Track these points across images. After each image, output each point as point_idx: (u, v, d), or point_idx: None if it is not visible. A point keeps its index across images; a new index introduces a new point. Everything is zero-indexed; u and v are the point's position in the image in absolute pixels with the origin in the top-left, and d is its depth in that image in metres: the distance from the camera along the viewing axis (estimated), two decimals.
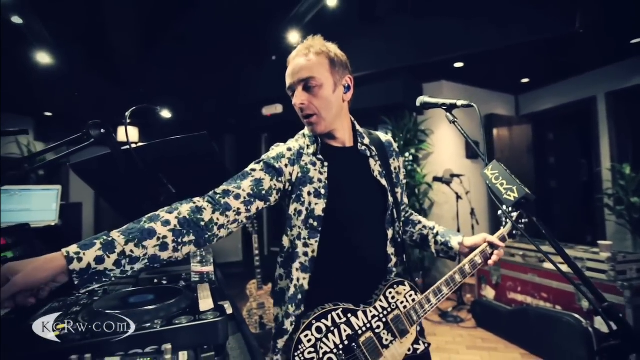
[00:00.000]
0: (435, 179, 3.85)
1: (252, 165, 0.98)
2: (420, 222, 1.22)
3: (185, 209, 0.81)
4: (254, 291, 3.22)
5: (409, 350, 0.98)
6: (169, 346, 0.58)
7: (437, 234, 1.17)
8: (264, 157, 1.01)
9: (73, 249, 0.65)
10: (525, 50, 3.65)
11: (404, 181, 1.20)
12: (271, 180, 0.95)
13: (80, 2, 3.48)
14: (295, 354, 0.88)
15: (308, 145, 1.05)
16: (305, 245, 0.98)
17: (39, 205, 2.22)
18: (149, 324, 0.63)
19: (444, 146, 4.58)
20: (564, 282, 2.70)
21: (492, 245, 1.09)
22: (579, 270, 0.70)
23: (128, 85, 4.66)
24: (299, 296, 0.97)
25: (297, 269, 0.98)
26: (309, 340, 0.89)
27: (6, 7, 2.94)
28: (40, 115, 5.53)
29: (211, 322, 0.64)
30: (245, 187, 0.91)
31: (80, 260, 0.64)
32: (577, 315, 2.51)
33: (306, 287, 0.98)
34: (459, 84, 4.68)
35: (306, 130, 1.09)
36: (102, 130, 0.99)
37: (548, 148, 5.37)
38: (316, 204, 0.98)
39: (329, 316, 0.93)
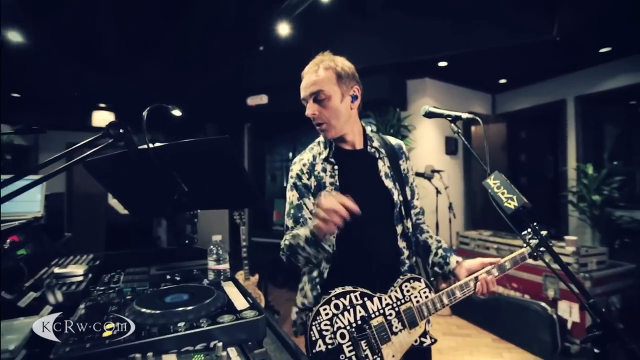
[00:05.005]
0: (418, 174, 4.00)
1: (288, 194, 1.21)
2: (428, 232, 1.31)
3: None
4: (241, 282, 3.27)
5: (416, 341, 1.08)
6: (220, 344, 0.63)
7: (440, 247, 1.26)
8: (290, 179, 1.22)
9: None
10: (506, 53, 3.82)
11: (415, 184, 1.29)
12: (302, 198, 1.19)
13: None
14: (313, 323, 1.00)
15: (320, 153, 1.20)
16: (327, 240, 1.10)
17: (23, 195, 2.14)
18: (196, 324, 0.68)
19: (425, 142, 4.74)
20: (533, 274, 2.93)
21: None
22: (570, 272, 0.81)
23: (105, 69, 4.47)
24: (317, 279, 1.14)
25: (322, 260, 1.13)
26: (327, 314, 1.02)
27: None
28: (7, 97, 5.19)
29: (252, 321, 0.70)
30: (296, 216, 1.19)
31: None
32: (543, 304, 2.75)
33: (325, 276, 1.14)
34: (442, 82, 4.83)
35: (321, 138, 1.22)
36: (121, 130, 0.99)
37: (520, 146, 5.68)
38: None
39: (348, 296, 1.05)
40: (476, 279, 1.14)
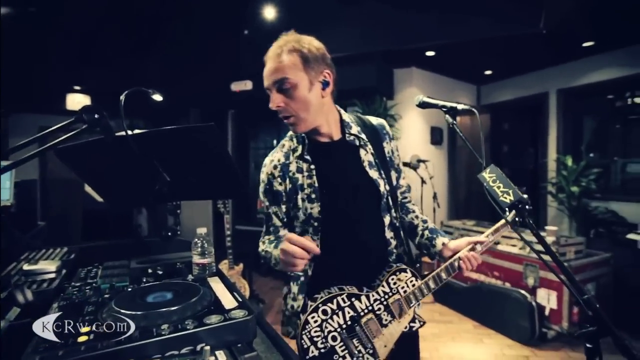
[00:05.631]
0: (404, 164, 4.01)
1: (260, 198, 1.16)
2: (414, 212, 1.26)
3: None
4: (225, 272, 3.22)
5: (406, 327, 1.07)
6: (207, 347, 0.59)
7: (427, 228, 1.22)
8: (261, 182, 1.14)
9: None
10: (492, 44, 3.83)
11: (400, 164, 1.23)
12: (272, 206, 1.15)
13: None
14: (303, 332, 0.97)
15: (294, 149, 1.10)
16: (312, 239, 1.05)
17: None
18: (181, 326, 0.63)
19: (411, 131, 4.74)
20: (514, 262, 3.00)
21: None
22: (564, 266, 0.81)
23: (81, 49, 4.23)
24: (302, 278, 1.10)
25: None
26: (315, 321, 0.99)
27: None
28: None
29: (242, 321, 0.66)
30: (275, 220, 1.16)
31: None
32: (523, 291, 2.83)
33: (309, 273, 1.10)
34: (428, 72, 4.81)
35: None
36: (97, 115, 0.91)
37: (503, 137, 5.77)
38: (312, 208, 1.05)
39: (335, 300, 1.01)
40: (460, 258, 1.11)
